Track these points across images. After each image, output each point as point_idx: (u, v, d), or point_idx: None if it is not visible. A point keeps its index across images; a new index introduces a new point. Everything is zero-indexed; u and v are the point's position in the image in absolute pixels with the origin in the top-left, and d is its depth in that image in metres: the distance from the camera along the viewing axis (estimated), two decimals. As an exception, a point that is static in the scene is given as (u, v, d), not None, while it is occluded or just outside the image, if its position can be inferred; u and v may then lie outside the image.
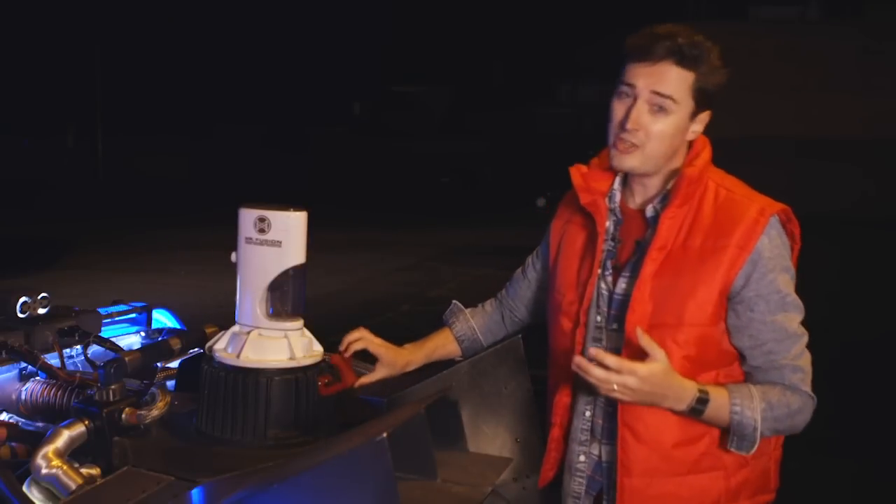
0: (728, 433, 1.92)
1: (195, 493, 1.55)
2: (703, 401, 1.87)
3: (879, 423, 5.99)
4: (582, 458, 2.07)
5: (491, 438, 2.23)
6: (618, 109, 1.94)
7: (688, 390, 1.87)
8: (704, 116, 1.97)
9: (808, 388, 1.93)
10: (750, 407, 1.88)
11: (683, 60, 1.89)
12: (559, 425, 2.10)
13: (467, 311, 2.40)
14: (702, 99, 1.93)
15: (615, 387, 1.82)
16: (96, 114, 27.23)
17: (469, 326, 2.37)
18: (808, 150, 19.50)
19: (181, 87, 30.70)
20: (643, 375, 1.81)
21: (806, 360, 1.94)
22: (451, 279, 11.31)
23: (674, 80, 1.90)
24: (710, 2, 22.69)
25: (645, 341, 1.83)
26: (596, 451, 2.06)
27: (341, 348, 2.15)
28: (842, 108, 19.77)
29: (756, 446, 1.91)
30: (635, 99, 1.91)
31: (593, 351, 1.84)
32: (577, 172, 2.09)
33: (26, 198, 18.49)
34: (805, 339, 1.94)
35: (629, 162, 1.95)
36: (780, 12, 21.92)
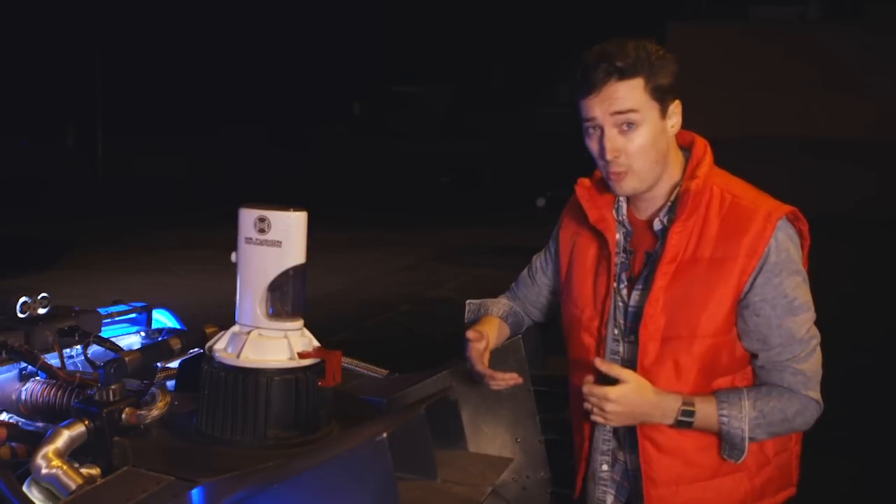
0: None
1: (195, 493, 1.55)
2: (688, 413, 1.90)
3: (886, 423, 5.98)
4: (605, 466, 2.07)
5: (491, 438, 2.23)
6: (592, 146, 1.95)
7: (671, 404, 1.90)
8: (675, 107, 1.94)
9: (810, 391, 1.93)
10: (738, 417, 1.90)
11: (625, 74, 1.88)
12: (584, 437, 2.11)
13: (487, 300, 2.37)
14: (661, 95, 1.91)
15: (595, 411, 1.91)
16: (96, 114, 27.22)
17: (503, 304, 2.33)
18: (810, 150, 19.51)
19: (181, 87, 30.70)
20: (614, 398, 1.88)
21: (812, 363, 1.93)
22: (451, 279, 11.31)
23: (625, 94, 1.88)
24: (711, 2, 22.69)
25: (605, 368, 1.90)
26: (622, 458, 2.07)
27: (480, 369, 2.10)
28: (843, 108, 19.78)
29: (745, 455, 1.92)
30: (602, 129, 1.91)
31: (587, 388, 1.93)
32: (583, 188, 2.09)
33: (26, 198, 18.49)
34: (814, 342, 1.93)
35: (627, 186, 1.95)
36: (780, 12, 21.92)
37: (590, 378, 1.95)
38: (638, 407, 1.90)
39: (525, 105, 29.33)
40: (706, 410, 1.90)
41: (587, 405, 1.93)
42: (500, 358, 2.26)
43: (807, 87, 20.10)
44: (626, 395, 1.88)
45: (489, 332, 2.18)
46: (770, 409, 1.90)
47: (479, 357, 2.09)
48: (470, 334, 2.12)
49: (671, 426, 1.92)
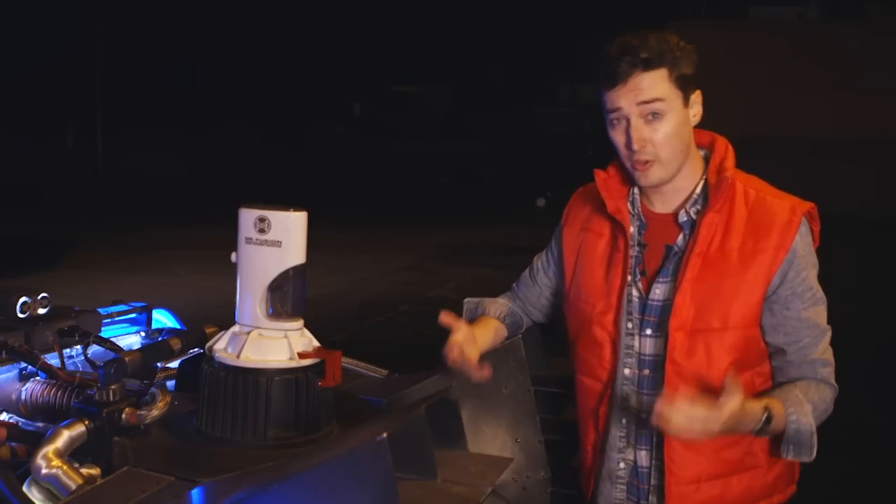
0: (781, 442, 1.92)
1: (195, 494, 1.55)
2: (769, 419, 1.86)
3: (889, 424, 5.98)
4: (622, 465, 2.06)
5: (491, 438, 2.23)
6: (618, 137, 1.96)
7: (757, 413, 1.85)
8: (696, 97, 1.97)
9: (833, 380, 1.97)
10: (804, 413, 1.89)
11: (650, 65, 1.89)
12: (596, 434, 2.09)
13: (485, 299, 2.34)
14: (685, 84, 1.93)
15: (695, 433, 1.79)
16: (96, 114, 27.20)
17: (501, 304, 2.31)
18: (812, 150, 19.48)
19: (181, 87, 30.69)
20: (725, 419, 1.77)
21: (831, 353, 1.98)
22: (451, 279, 11.30)
23: (651, 84, 1.90)
24: (711, 2, 22.69)
25: (729, 380, 1.77)
26: (631, 457, 2.05)
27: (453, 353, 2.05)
28: (845, 108, 19.75)
29: (815, 451, 1.90)
30: (628, 120, 1.92)
31: (679, 403, 1.78)
32: (600, 178, 2.08)
33: (26, 198, 18.47)
34: (830, 333, 1.98)
35: (654, 177, 1.96)
36: (780, 12, 21.91)
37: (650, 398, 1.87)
38: (737, 423, 1.81)
39: (525, 105, 29.32)
40: (777, 411, 1.87)
41: (680, 431, 1.79)
42: (500, 358, 2.26)
43: (808, 87, 20.08)
44: (735, 415, 1.77)
45: (482, 332, 2.16)
46: (818, 400, 1.93)
47: (456, 346, 2.02)
48: (444, 318, 2.04)
49: (755, 434, 1.88)
